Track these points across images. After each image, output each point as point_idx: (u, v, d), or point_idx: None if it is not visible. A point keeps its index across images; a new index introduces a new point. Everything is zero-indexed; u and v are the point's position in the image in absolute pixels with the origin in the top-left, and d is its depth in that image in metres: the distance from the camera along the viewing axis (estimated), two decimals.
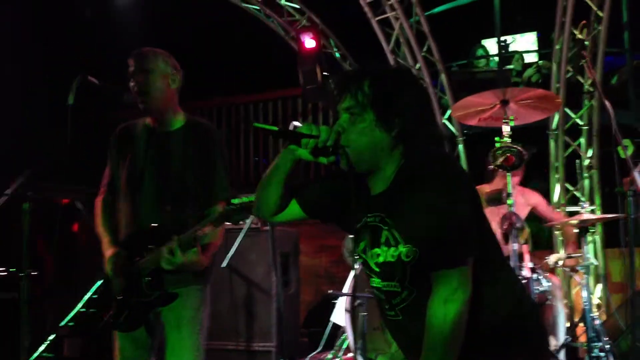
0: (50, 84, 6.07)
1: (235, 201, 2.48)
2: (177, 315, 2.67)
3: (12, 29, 7.17)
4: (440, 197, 1.66)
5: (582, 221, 3.91)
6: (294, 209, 2.00)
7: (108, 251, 2.74)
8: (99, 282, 2.76)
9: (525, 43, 8.25)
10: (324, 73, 6.30)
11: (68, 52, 7.50)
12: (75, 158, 2.63)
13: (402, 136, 1.75)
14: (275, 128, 1.82)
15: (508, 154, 3.52)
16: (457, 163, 2.02)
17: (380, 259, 1.78)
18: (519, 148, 3.55)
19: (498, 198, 3.84)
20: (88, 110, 3.09)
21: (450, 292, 1.64)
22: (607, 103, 3.47)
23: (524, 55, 7.77)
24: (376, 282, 1.83)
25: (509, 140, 3.64)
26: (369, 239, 1.81)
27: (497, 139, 3.65)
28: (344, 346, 4.74)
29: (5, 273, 4.07)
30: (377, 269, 1.80)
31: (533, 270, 3.73)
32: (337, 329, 4.81)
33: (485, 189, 4.60)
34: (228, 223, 2.54)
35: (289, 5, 6.65)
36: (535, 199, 4.57)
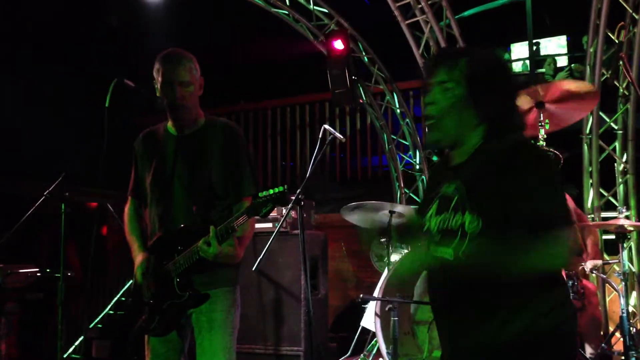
0: (86, 86, 6.15)
1: (262, 194, 2.48)
2: (208, 317, 2.67)
3: (47, 33, 7.30)
4: (542, 180, 1.76)
5: (619, 227, 3.83)
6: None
7: (138, 257, 2.75)
8: (127, 285, 2.77)
9: (554, 46, 8.14)
10: (352, 77, 6.28)
11: (104, 55, 7.61)
12: (109, 161, 2.65)
13: (489, 116, 1.85)
14: None
15: None
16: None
17: (442, 225, 1.86)
18: (554, 152, 3.49)
19: None
20: (122, 114, 3.11)
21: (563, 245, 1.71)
22: None
23: (555, 58, 7.67)
24: (433, 248, 1.89)
25: (544, 144, 3.59)
26: (438, 205, 1.90)
27: (532, 142, 3.59)
28: (374, 351, 4.69)
29: (40, 274, 4.13)
30: (437, 235, 1.87)
31: (569, 276, 3.66)
32: (366, 334, 4.77)
33: None
34: (257, 217, 2.53)
35: (317, 10, 6.64)
36: (570, 203, 4.49)
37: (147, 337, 2.77)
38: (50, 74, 7.15)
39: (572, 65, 7.09)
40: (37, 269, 4.14)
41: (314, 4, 6.61)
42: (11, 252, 4.07)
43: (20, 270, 4.08)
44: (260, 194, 2.52)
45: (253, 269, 3.65)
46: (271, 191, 2.48)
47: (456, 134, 1.87)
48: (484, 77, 1.84)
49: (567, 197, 4.53)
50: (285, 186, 2.51)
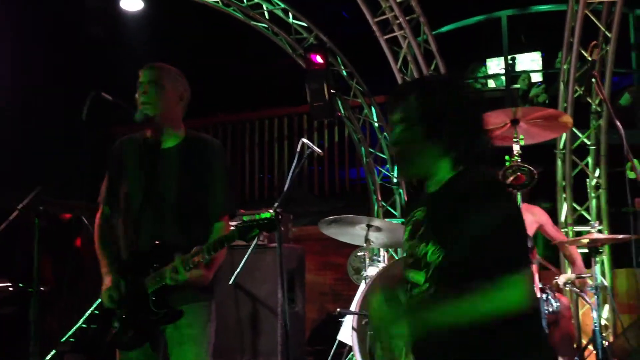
0: (63, 99, 6.09)
1: (248, 218, 2.45)
2: (182, 332, 2.64)
3: (25, 45, 7.23)
4: (481, 214, 1.73)
5: (593, 241, 3.89)
6: None
7: (106, 279, 2.69)
8: (100, 299, 2.72)
9: (529, 62, 8.28)
10: (331, 90, 6.31)
11: (81, 68, 7.54)
12: (86, 173, 2.63)
13: (452, 146, 1.83)
14: None
15: (519, 173, 3.51)
16: (505, 187, 2.14)
17: (414, 250, 1.88)
18: (530, 167, 3.54)
19: None
20: (100, 127, 3.09)
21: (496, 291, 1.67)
22: (617, 123, 3.47)
23: (530, 74, 7.80)
24: (407, 271, 1.91)
25: (518, 159, 3.64)
26: (411, 230, 1.92)
27: (507, 157, 3.64)
28: None
29: (12, 288, 4.05)
30: (410, 259, 1.90)
31: (542, 290, 3.70)
32: (343, 347, 4.76)
33: None
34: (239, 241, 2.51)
35: (296, 24, 6.68)
36: (543, 217, 4.55)
37: (118, 352, 2.72)
38: (28, 84, 7.07)
39: (533, 93, 7.22)
40: (10, 284, 4.06)
41: (293, 18, 6.65)
42: None
43: None
44: (246, 218, 2.49)
45: (230, 282, 3.63)
46: (258, 216, 2.45)
47: (424, 168, 1.88)
48: (437, 110, 1.82)
49: (542, 211, 4.61)
50: (273, 212, 2.48)
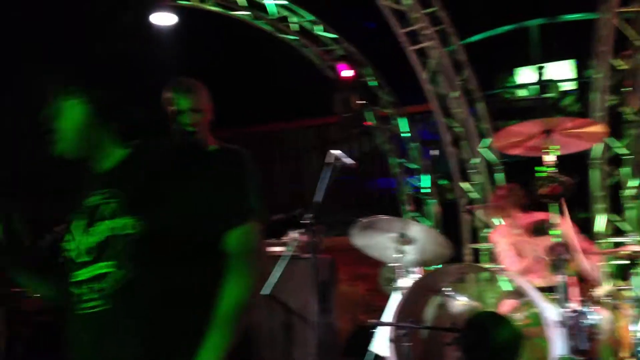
0: None
1: None
2: None
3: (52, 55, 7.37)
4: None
5: (630, 253, 3.83)
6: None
7: None
8: None
9: (561, 71, 8.21)
10: (359, 102, 6.34)
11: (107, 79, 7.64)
12: None
13: (111, 116, 1.69)
14: None
15: (554, 184, 3.48)
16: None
17: (96, 238, 1.60)
18: (565, 178, 3.50)
19: (542, 228, 3.78)
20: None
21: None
22: None
23: (561, 83, 7.72)
24: (80, 273, 1.61)
25: (554, 169, 3.60)
26: (89, 218, 1.63)
27: (538, 168, 3.61)
28: None
29: None
30: (90, 248, 1.61)
31: (582, 302, 3.65)
32: (377, 359, 4.74)
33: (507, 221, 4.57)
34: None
35: (324, 35, 6.73)
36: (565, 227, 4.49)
37: None
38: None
39: (565, 102, 7.14)
40: None
41: (322, 30, 6.70)
42: None
43: (36, 295, 4.08)
44: None
45: (266, 292, 3.65)
46: None
47: (83, 144, 1.71)
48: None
49: (571, 223, 4.54)
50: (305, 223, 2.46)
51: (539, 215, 4.24)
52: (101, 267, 1.56)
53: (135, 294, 1.53)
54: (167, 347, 1.53)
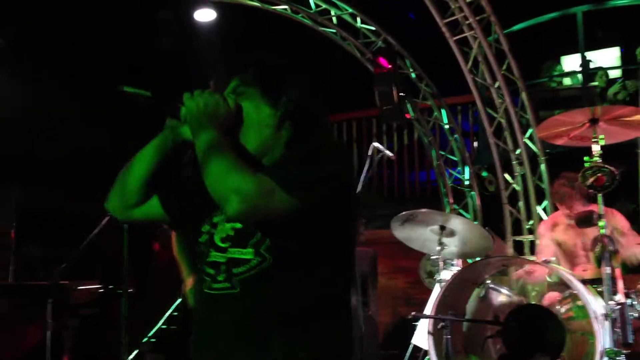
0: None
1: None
2: None
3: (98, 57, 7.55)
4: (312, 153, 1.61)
5: None
6: (153, 205, 1.76)
7: (188, 280, 2.79)
8: (178, 301, 2.83)
9: (607, 59, 7.98)
10: (400, 93, 6.30)
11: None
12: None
13: (289, 115, 1.68)
14: (148, 93, 1.65)
15: (599, 174, 3.40)
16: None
17: (237, 224, 1.62)
18: (610, 168, 3.42)
19: (589, 219, 3.71)
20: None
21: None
22: None
23: (608, 71, 7.50)
24: (217, 255, 1.64)
25: (599, 159, 3.52)
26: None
27: (586, 158, 3.53)
28: None
29: (102, 290, 4.27)
30: (231, 233, 1.64)
31: (627, 295, 3.56)
32: (418, 352, 4.74)
33: (564, 211, 4.47)
34: None
35: (364, 28, 6.71)
36: (620, 221, 4.37)
37: None
38: (112, 99, 7.35)
39: (626, 81, 6.92)
40: (100, 286, 4.28)
41: (361, 22, 6.68)
42: (69, 269, 4.20)
43: (86, 287, 4.22)
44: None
45: None
46: None
47: (256, 138, 1.71)
48: (275, 74, 1.77)
49: (621, 216, 4.42)
50: None
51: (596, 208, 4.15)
52: (240, 253, 1.60)
53: (269, 283, 1.56)
54: (292, 337, 1.55)
